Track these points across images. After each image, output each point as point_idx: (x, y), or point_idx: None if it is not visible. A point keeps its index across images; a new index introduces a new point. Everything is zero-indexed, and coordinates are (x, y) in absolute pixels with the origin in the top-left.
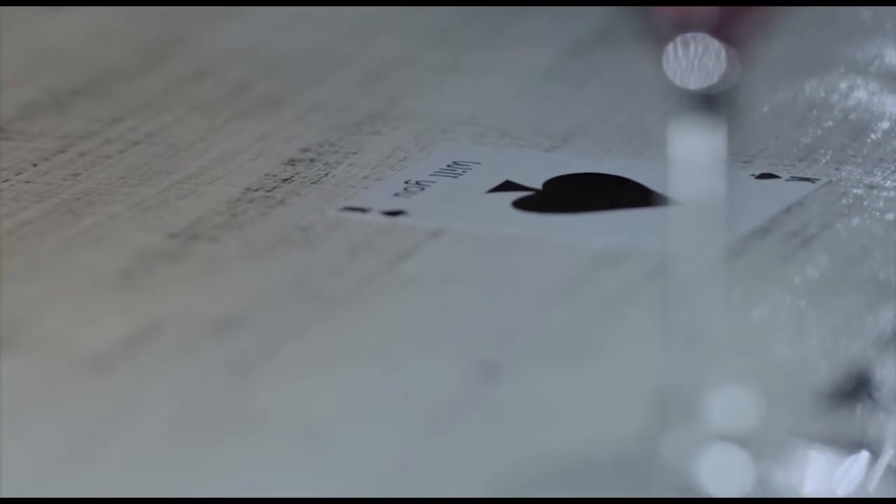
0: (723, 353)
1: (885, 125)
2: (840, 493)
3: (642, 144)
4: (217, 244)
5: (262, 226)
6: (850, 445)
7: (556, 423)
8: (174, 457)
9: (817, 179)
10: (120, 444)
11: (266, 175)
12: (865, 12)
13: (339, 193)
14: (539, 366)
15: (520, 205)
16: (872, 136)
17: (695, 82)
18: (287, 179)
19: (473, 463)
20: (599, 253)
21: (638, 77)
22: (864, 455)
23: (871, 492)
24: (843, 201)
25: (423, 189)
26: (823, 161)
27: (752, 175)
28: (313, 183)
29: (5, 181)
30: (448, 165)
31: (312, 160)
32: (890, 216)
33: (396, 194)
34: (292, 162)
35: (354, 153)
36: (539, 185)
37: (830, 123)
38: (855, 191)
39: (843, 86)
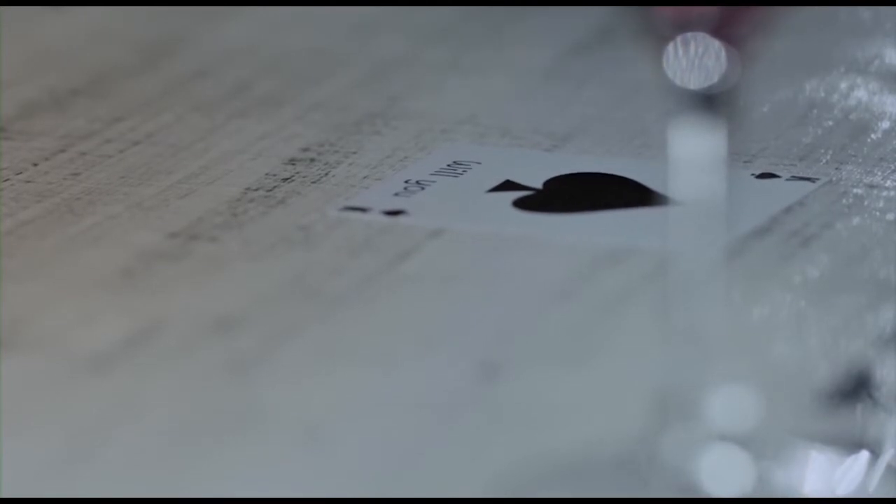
0: (723, 352)
1: (886, 125)
2: (840, 493)
3: (642, 144)
4: (217, 244)
5: (262, 225)
6: (851, 445)
7: (556, 422)
8: (174, 456)
9: (817, 179)
10: (120, 444)
11: (266, 175)
12: (865, 12)
13: (340, 193)
14: (539, 366)
15: (520, 204)
16: (872, 135)
17: (695, 82)
18: (287, 179)
19: (473, 462)
20: (600, 252)
21: (638, 77)
22: (865, 455)
23: (872, 491)
24: (844, 201)
25: (423, 189)
26: (824, 161)
27: (753, 174)
28: (313, 182)
29: (5, 181)
30: (448, 165)
31: (313, 160)
32: (890, 216)
33: (396, 194)
34: (292, 161)
35: (355, 153)
36: (539, 185)
37: (831, 123)
38: (855, 190)
39: (843, 85)
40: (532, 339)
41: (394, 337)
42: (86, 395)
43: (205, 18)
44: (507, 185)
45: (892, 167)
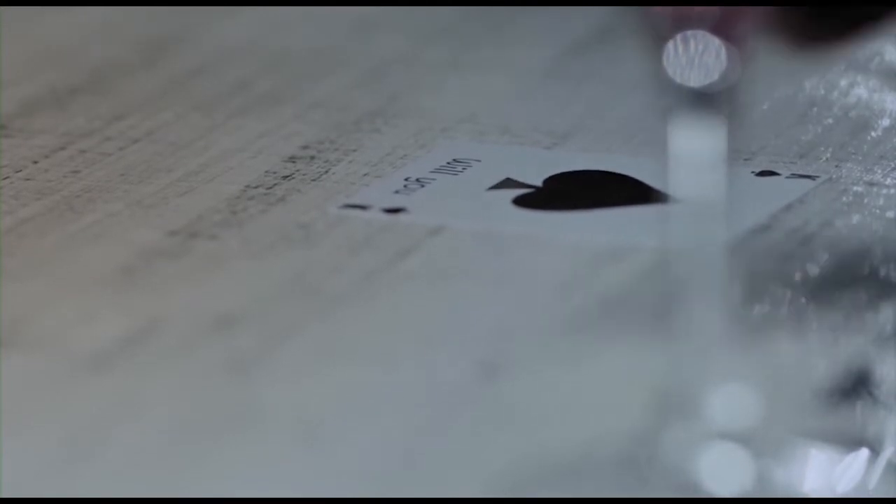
0: (722, 350)
1: (886, 122)
2: (840, 491)
3: (642, 142)
4: (217, 242)
5: (262, 223)
6: (851, 443)
7: (555, 421)
8: (174, 455)
9: (818, 177)
10: (120, 443)
11: (266, 172)
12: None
13: (340, 191)
14: (539, 364)
15: (520, 202)
16: (873, 133)
17: (695, 80)
18: (287, 177)
19: (473, 461)
20: (600, 250)
21: (637, 75)
22: (864, 452)
23: (872, 489)
24: (844, 199)
25: (423, 186)
26: (824, 158)
27: (753, 172)
28: (313, 180)
29: (5, 178)
30: (448, 163)
31: (312, 157)
32: (890, 213)
33: (397, 192)
34: (292, 159)
35: (354, 150)
36: (539, 183)
37: (830, 121)
38: (855, 188)
39: (843, 83)
40: (532, 337)
41: (394, 335)
42: (85, 393)
43: (205, 17)
44: (508, 183)
45: (893, 165)
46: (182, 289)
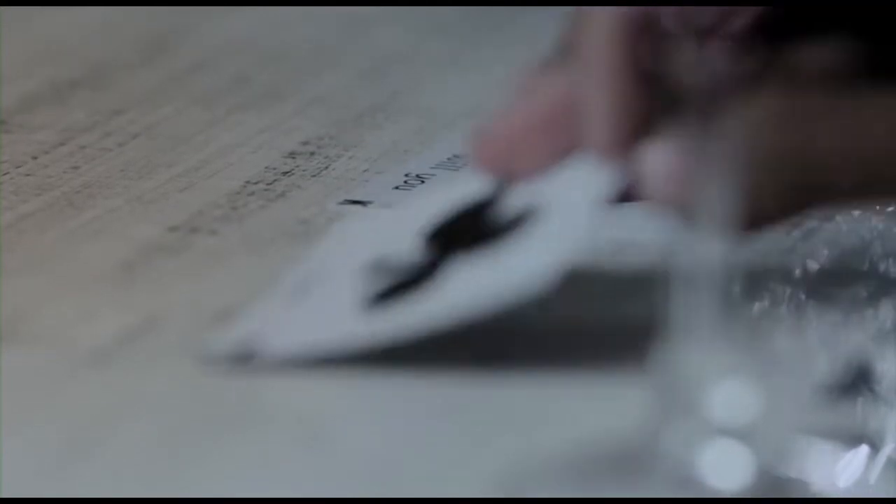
0: (723, 345)
1: None
2: (841, 486)
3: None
4: (217, 237)
5: (262, 219)
6: (851, 438)
7: (556, 417)
8: (174, 452)
9: None
10: (120, 439)
11: (266, 168)
12: None
13: (340, 186)
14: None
15: None
16: None
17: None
18: (287, 172)
19: (473, 458)
20: (601, 243)
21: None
22: (865, 448)
23: (872, 485)
24: None
25: (423, 182)
26: None
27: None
28: (313, 176)
29: (5, 174)
30: (448, 159)
31: (313, 153)
32: (890, 208)
33: (397, 187)
34: (292, 155)
35: (355, 146)
36: None
37: None
38: None
39: None
40: (532, 331)
41: None
42: (85, 389)
43: (205, 14)
44: None
45: None
46: (182, 284)
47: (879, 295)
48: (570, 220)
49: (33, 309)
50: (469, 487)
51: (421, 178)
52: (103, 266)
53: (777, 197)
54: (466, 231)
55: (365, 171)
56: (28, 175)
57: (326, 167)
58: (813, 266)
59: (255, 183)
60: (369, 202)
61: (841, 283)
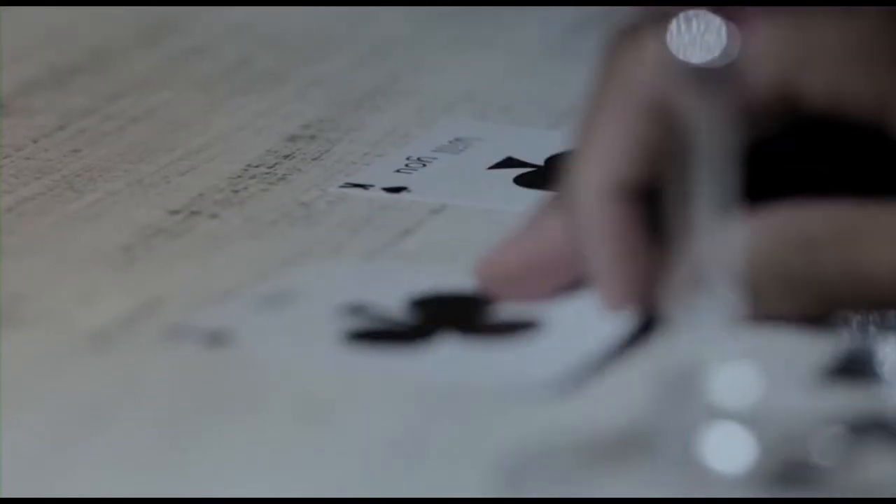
0: (725, 329)
1: None
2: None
3: None
4: (218, 220)
5: (263, 202)
6: (854, 421)
7: (562, 398)
8: (175, 435)
9: None
10: (120, 422)
11: (267, 151)
12: None
13: (341, 170)
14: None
15: (521, 181)
16: None
17: (696, 57)
18: (288, 156)
19: (474, 441)
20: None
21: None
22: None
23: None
24: None
25: (424, 165)
26: None
27: None
28: (314, 159)
29: (6, 157)
30: (450, 142)
31: (313, 136)
32: None
33: (398, 171)
34: (293, 138)
35: (355, 130)
36: (541, 162)
37: None
38: None
39: None
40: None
41: None
42: (86, 372)
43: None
44: (509, 163)
45: None
46: (183, 268)
47: None
48: (578, 337)
49: (34, 292)
50: (470, 471)
51: (422, 161)
52: (104, 249)
53: (782, 309)
54: (459, 313)
55: (366, 154)
56: (28, 159)
57: (327, 150)
58: None
59: (256, 166)
60: (370, 185)
61: None
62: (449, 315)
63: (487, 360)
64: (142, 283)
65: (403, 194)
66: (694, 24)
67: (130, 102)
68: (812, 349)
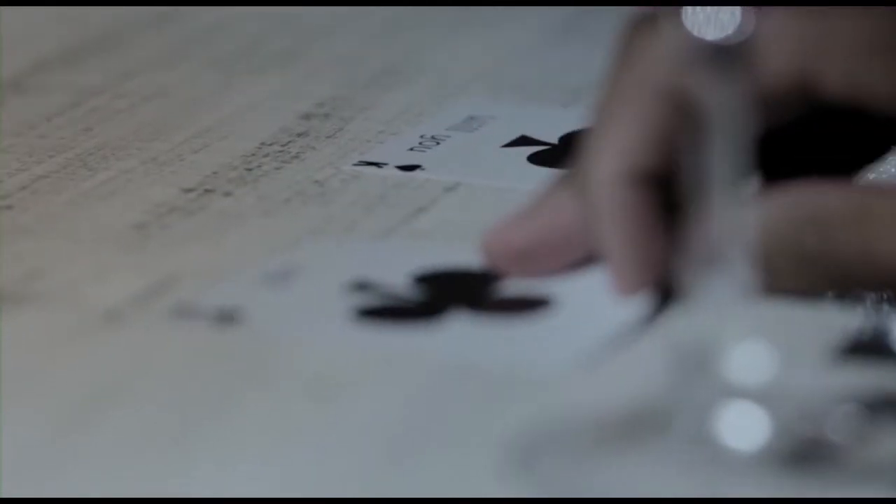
0: (740, 306)
1: None
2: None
3: None
4: (232, 199)
5: (276, 180)
6: (868, 399)
7: (575, 378)
8: (187, 412)
9: None
10: (133, 399)
11: (281, 129)
12: None
13: (354, 148)
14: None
15: (535, 159)
16: None
17: (711, 35)
18: (302, 134)
19: (490, 419)
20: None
21: None
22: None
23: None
24: None
25: (438, 144)
26: None
27: None
28: (328, 137)
29: (19, 136)
30: (463, 120)
31: (327, 115)
32: None
33: (412, 149)
34: (307, 116)
35: (369, 108)
36: (555, 140)
37: None
38: None
39: None
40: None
41: None
42: (99, 349)
43: None
44: (523, 141)
45: None
46: (196, 246)
47: None
48: (591, 314)
49: (47, 270)
50: (483, 448)
51: (436, 140)
52: (117, 227)
53: (795, 287)
54: (466, 290)
55: (380, 132)
56: (42, 137)
57: (341, 129)
58: None
59: (270, 144)
60: (384, 164)
61: None
62: (457, 291)
63: (500, 338)
64: (155, 262)
65: (417, 172)
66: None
67: (143, 81)
68: (827, 327)
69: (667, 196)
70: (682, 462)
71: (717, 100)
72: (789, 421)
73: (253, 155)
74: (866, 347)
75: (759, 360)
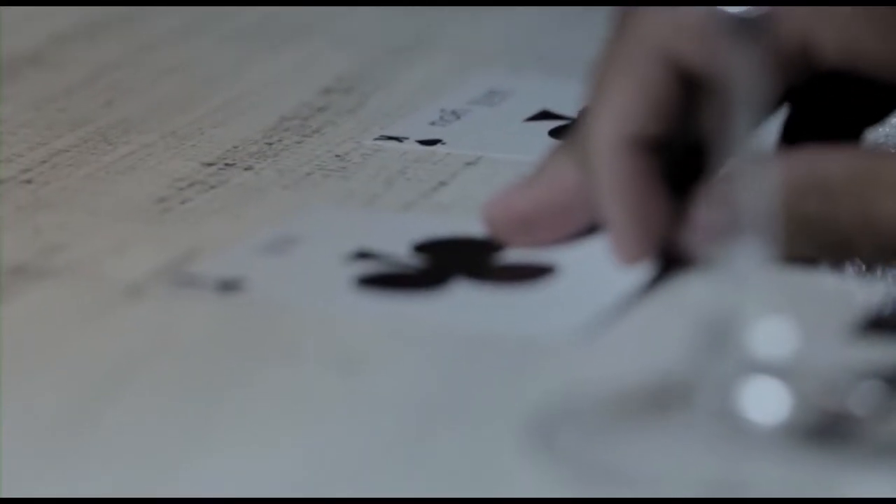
0: (763, 283)
1: None
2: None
3: None
4: (252, 172)
5: (297, 154)
6: (891, 373)
7: (598, 351)
8: (208, 385)
9: None
10: (153, 373)
11: (301, 103)
12: None
13: (375, 122)
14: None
15: (556, 134)
16: None
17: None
18: (322, 108)
19: (510, 392)
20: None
21: None
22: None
23: None
24: None
25: (459, 118)
26: None
27: None
28: (349, 111)
29: (39, 110)
30: (484, 94)
31: (348, 89)
32: None
33: (432, 123)
34: (328, 91)
35: (390, 82)
36: (576, 115)
37: None
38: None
39: None
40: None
41: None
42: (119, 322)
43: None
44: (544, 115)
45: None
46: (216, 220)
47: None
48: (595, 281)
49: (68, 243)
50: (505, 422)
51: (456, 114)
52: (137, 201)
53: (799, 252)
54: (467, 258)
55: (401, 106)
56: (62, 111)
57: (362, 103)
58: None
59: (291, 118)
60: (405, 138)
61: None
62: (459, 260)
63: (505, 305)
64: (175, 235)
65: (438, 147)
66: None
67: (164, 54)
68: (848, 302)
69: (668, 162)
70: (703, 436)
71: (738, 71)
72: (811, 395)
73: (273, 129)
74: (888, 322)
75: (781, 335)
